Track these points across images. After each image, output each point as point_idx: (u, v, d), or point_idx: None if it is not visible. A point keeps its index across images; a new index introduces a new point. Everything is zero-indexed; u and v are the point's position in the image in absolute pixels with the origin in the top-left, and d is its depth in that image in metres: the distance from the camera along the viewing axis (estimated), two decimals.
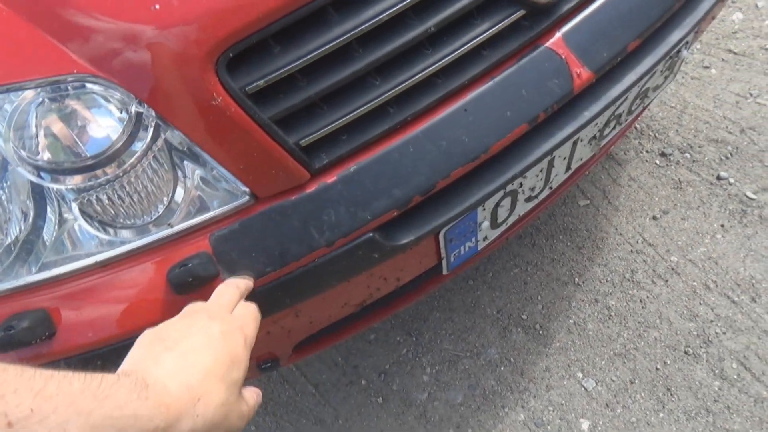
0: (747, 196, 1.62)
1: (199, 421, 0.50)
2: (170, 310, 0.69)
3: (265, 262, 0.73)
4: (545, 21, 0.80)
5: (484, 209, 0.88)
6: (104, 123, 0.71)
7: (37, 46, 0.65)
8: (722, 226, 1.58)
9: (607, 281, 1.54)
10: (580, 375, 1.42)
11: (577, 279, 1.55)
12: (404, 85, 0.73)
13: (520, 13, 0.78)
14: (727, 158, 1.70)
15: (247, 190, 0.72)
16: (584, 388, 1.40)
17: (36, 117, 0.67)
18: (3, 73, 0.65)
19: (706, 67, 1.93)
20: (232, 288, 0.68)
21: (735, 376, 1.36)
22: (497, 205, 0.90)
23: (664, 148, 1.75)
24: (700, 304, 1.46)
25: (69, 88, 0.67)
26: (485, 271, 1.60)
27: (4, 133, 0.67)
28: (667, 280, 1.51)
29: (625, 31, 0.85)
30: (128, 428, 0.42)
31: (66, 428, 0.37)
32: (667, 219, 1.61)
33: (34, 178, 0.68)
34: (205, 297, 0.67)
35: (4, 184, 0.70)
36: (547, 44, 0.82)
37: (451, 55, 0.75)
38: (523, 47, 0.81)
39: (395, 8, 0.68)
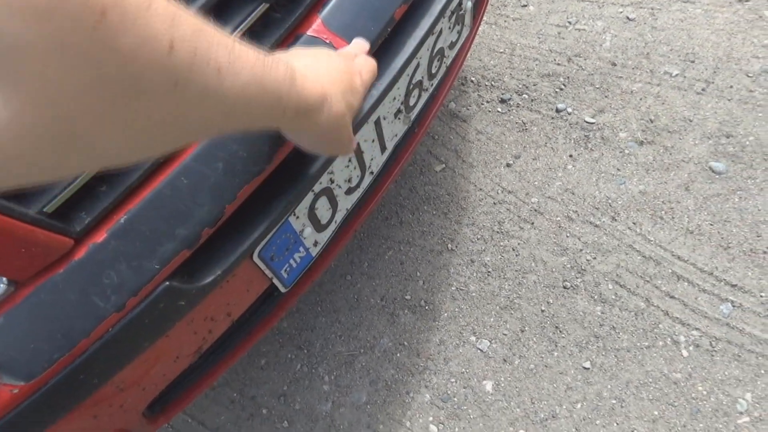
0: (587, 122, 1.66)
1: (324, 118, 0.56)
2: None
3: (50, 349, 0.64)
4: (298, 9, 0.75)
5: (297, 217, 0.82)
6: None
7: None
8: (570, 156, 1.61)
9: (478, 239, 1.53)
10: (473, 338, 1.41)
11: (449, 245, 1.54)
12: None
13: (264, 6, 0.72)
14: (561, 89, 1.74)
15: (3, 278, 0.63)
16: (480, 350, 1.39)
17: None
18: None
19: (524, 6, 1.96)
20: (352, 48, 0.73)
21: (613, 297, 1.39)
22: (311, 208, 0.85)
23: (502, 94, 1.76)
24: (567, 236, 1.49)
25: None
26: (360, 262, 1.56)
27: None
28: (532, 222, 1.53)
29: (388, 1, 0.81)
30: (280, 101, 0.47)
31: (248, 87, 0.41)
32: (520, 163, 1.63)
33: None
34: None
35: None
36: (309, 32, 0.77)
37: None
38: (282, 41, 0.75)
39: None
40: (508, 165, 1.63)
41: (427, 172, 1.67)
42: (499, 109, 1.74)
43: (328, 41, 0.76)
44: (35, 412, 0.66)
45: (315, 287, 1.54)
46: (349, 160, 0.87)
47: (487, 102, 1.76)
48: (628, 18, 1.85)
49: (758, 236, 1.38)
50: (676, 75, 1.69)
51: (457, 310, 1.45)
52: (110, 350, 0.68)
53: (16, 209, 0.59)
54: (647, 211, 1.48)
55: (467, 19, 1.06)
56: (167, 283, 0.69)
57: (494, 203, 1.58)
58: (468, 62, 1.86)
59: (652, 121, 1.62)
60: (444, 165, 1.67)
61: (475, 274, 1.49)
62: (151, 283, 0.67)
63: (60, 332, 0.65)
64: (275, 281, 0.87)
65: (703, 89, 1.65)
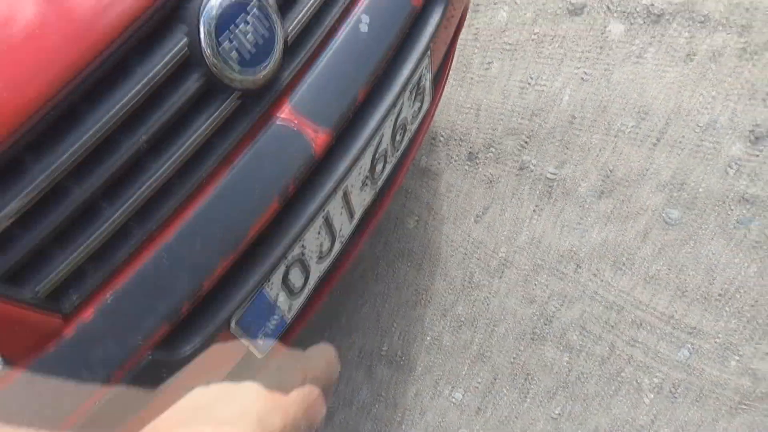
0: (549, 175, 1.75)
1: None
2: None
3: (43, 424, 0.69)
4: (268, 97, 0.83)
5: (271, 287, 0.88)
6: None
7: None
8: (535, 208, 1.69)
9: (450, 291, 1.60)
10: (447, 390, 1.46)
11: (423, 297, 1.60)
12: (136, 201, 0.72)
13: (237, 95, 0.79)
14: (525, 144, 1.83)
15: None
16: (454, 401, 1.44)
17: None
18: None
19: (489, 65, 2.08)
20: (297, 372, 0.49)
21: (579, 345, 1.45)
22: (285, 277, 0.91)
23: (470, 150, 1.86)
24: (535, 286, 1.56)
25: None
26: (338, 317, 1.61)
27: None
28: (501, 274, 1.60)
29: (351, 84, 0.89)
30: None
31: None
32: (488, 216, 1.71)
33: None
34: None
35: None
36: (279, 117, 0.84)
37: (178, 159, 0.74)
38: (254, 126, 0.82)
39: (96, 136, 0.67)
40: (476, 219, 1.71)
41: (401, 227, 1.74)
42: (467, 165, 1.83)
43: (297, 122, 0.84)
44: None
45: (293, 346, 1.58)
46: (318, 232, 0.94)
47: (456, 158, 1.85)
48: (585, 74, 1.97)
49: (712, 281, 1.47)
50: (631, 128, 1.80)
51: (431, 361, 1.50)
52: (101, 420, 0.72)
53: (12, 292, 0.65)
54: (609, 260, 1.56)
55: (427, 94, 1.14)
56: (150, 355, 0.74)
57: (465, 256, 1.65)
58: (437, 120, 1.96)
59: (610, 173, 1.71)
60: (417, 219, 1.74)
61: (448, 326, 1.55)
62: (136, 356, 0.72)
63: (50, 408, 0.69)
64: (251, 348, 0.92)
65: (656, 141, 1.75)
